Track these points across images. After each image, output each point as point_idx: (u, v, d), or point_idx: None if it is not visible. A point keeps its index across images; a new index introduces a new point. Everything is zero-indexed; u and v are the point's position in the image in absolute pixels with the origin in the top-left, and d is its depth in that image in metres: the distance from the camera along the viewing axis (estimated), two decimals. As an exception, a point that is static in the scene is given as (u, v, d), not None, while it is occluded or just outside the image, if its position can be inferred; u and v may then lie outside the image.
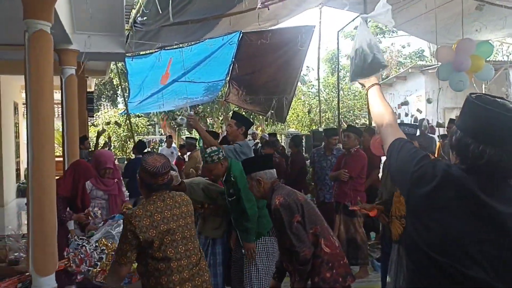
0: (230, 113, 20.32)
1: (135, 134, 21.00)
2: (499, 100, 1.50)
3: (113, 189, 4.79)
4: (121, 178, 5.14)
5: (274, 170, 3.37)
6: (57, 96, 6.50)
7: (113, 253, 3.84)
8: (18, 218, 8.57)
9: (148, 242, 2.49)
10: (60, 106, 6.27)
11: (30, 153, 3.60)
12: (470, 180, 1.50)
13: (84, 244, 3.88)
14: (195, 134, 18.94)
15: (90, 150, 9.00)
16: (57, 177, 4.05)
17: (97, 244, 3.88)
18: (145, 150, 8.69)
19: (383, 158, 6.08)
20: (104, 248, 3.85)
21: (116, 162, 8.59)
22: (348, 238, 5.53)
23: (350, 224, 5.53)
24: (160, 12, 5.16)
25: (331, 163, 6.50)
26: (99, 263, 3.83)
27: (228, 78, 10.62)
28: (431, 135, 8.23)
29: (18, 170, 11.23)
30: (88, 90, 10.65)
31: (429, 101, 9.89)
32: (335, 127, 11.81)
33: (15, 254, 4.71)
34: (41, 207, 3.58)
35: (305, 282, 2.93)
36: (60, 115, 6.28)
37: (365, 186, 5.98)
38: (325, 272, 2.89)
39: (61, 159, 6.25)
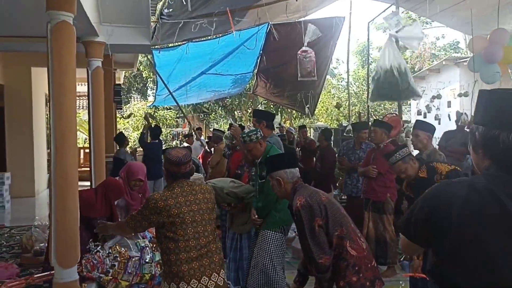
0: (259, 106, 20.30)
1: (164, 127, 21.21)
2: None
3: (136, 204, 4.64)
4: (148, 189, 5.03)
5: (297, 169, 3.23)
6: (84, 88, 6.54)
7: (125, 261, 3.81)
8: (49, 209, 8.76)
9: (160, 222, 2.80)
10: (87, 98, 6.31)
11: (53, 145, 3.60)
12: (495, 190, 1.33)
13: (98, 249, 3.86)
14: (223, 127, 18.98)
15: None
16: (82, 188, 4.05)
17: (110, 250, 3.85)
18: (161, 136, 8.76)
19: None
20: (117, 255, 3.81)
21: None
22: (377, 236, 5.37)
23: (379, 221, 5.37)
24: (185, 3, 5.09)
25: (359, 157, 6.36)
26: (111, 271, 3.79)
27: (256, 70, 10.51)
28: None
29: (49, 161, 11.44)
30: (117, 82, 10.74)
31: (465, 94, 9.51)
32: (365, 120, 11.53)
33: (41, 244, 4.78)
34: (64, 199, 3.59)
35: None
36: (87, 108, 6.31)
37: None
38: (351, 276, 2.75)
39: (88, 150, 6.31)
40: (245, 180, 5.71)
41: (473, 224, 1.33)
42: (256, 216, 4.19)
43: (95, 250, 3.86)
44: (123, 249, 3.89)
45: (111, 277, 3.78)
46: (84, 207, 3.75)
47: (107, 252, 3.84)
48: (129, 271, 3.82)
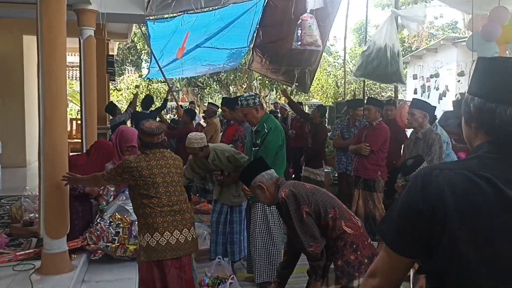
0: (254, 82, 20.15)
1: (158, 100, 20.99)
2: None
3: None
4: None
5: (273, 170, 3.17)
6: (76, 58, 6.41)
7: (128, 226, 3.82)
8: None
9: (133, 180, 3.10)
10: (79, 68, 6.19)
11: (42, 114, 3.54)
12: (491, 176, 1.17)
13: (98, 221, 3.86)
14: (218, 101, 18.88)
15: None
16: (73, 154, 4.01)
17: (111, 219, 3.85)
18: (152, 107, 8.72)
19: (408, 131, 5.84)
20: (119, 222, 3.83)
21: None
22: (366, 213, 5.39)
23: (369, 199, 5.39)
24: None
25: (354, 136, 6.36)
26: (116, 238, 3.82)
27: (252, 45, 10.36)
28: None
29: (39, 130, 11.30)
30: (110, 53, 10.55)
31: (461, 74, 9.45)
32: (360, 98, 11.47)
33: (30, 215, 4.75)
34: (53, 170, 3.54)
35: (323, 274, 2.78)
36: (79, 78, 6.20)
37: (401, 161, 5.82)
38: (350, 254, 2.73)
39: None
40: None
41: (472, 217, 1.16)
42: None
43: (96, 222, 3.86)
44: (124, 214, 3.91)
45: (118, 244, 3.81)
46: (73, 171, 3.76)
47: (108, 221, 3.85)
48: (134, 234, 3.85)
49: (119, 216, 3.92)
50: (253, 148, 4.25)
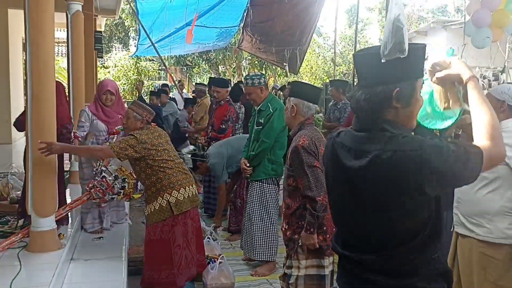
0: (243, 62, 20.00)
1: (146, 79, 20.77)
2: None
3: (114, 122, 4.33)
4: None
5: (316, 106, 3.11)
6: (63, 34, 6.26)
7: (134, 181, 3.95)
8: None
9: (145, 150, 3.44)
10: (66, 44, 6.05)
11: (29, 91, 3.45)
12: (338, 144, 1.63)
13: (104, 174, 3.83)
14: (206, 81, 18.76)
15: None
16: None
17: (116, 173, 3.85)
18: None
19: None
20: (126, 177, 3.86)
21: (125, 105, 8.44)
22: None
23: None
24: None
25: (334, 116, 6.51)
26: (122, 191, 3.89)
27: (242, 24, 10.23)
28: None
29: (26, 107, 11.09)
30: (98, 29, 10.31)
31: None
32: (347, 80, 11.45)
33: (17, 192, 4.70)
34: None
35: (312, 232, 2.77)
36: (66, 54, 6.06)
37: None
38: (318, 235, 2.76)
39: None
40: (229, 134, 5.70)
41: (328, 167, 1.72)
42: (248, 165, 4.23)
43: (101, 176, 3.82)
44: (131, 170, 3.87)
45: (123, 195, 3.92)
46: None
47: (113, 175, 3.83)
48: (140, 188, 3.98)
49: (125, 172, 3.91)
50: (256, 127, 4.28)
